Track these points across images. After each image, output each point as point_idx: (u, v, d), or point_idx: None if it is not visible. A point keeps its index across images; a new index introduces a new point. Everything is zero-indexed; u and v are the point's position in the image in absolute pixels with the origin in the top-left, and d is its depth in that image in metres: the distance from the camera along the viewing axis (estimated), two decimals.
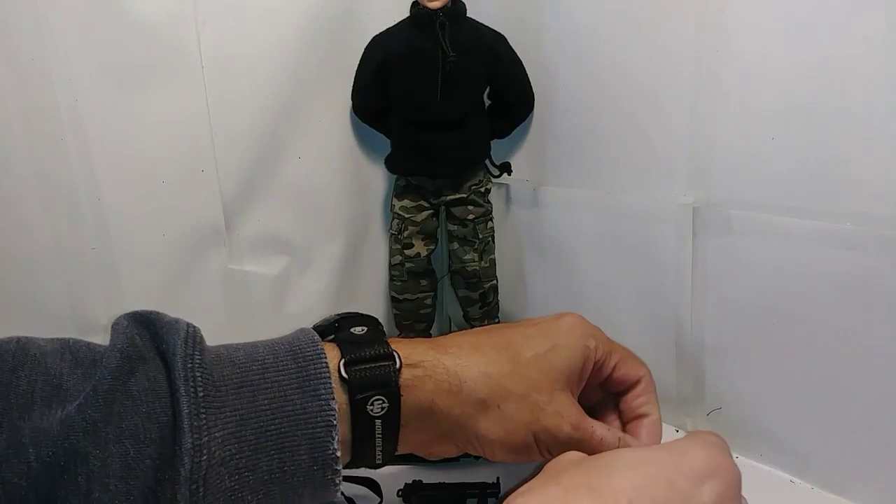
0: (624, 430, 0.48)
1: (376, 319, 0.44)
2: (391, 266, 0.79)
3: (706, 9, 0.60)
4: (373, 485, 0.61)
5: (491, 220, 0.78)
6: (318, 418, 0.36)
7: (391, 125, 0.77)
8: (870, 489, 0.58)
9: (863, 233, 0.54)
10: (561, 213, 0.76)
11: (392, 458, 0.41)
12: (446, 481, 0.62)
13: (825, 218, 0.56)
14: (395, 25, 0.74)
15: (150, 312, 0.39)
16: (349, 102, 0.77)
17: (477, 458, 0.65)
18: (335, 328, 0.42)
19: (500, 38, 0.74)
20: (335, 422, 0.36)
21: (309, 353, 0.38)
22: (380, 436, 0.39)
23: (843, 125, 0.54)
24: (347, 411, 0.38)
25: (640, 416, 0.47)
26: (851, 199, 0.55)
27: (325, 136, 0.77)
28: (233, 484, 0.34)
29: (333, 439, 0.36)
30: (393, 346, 0.40)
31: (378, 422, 0.38)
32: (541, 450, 0.42)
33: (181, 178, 0.69)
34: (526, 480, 0.38)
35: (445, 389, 0.40)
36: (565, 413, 0.42)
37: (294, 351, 0.38)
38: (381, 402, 0.38)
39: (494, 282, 0.79)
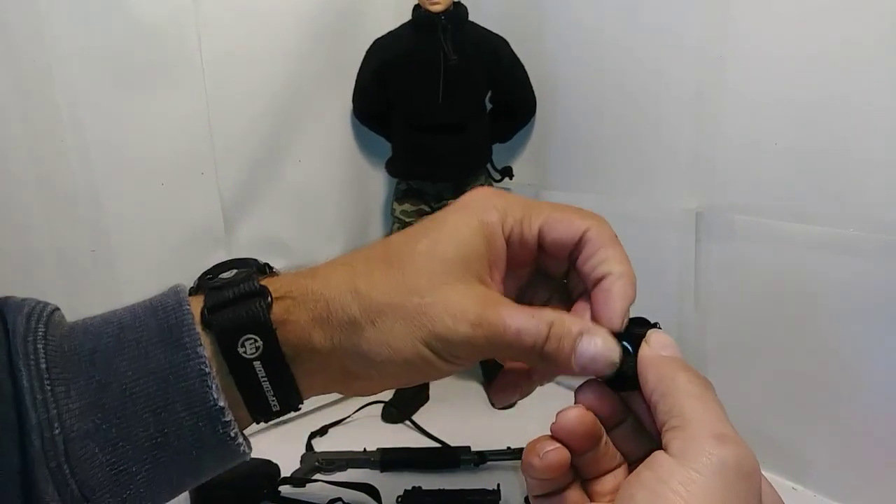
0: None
1: (254, 260, 0.39)
2: None
3: (710, 15, 0.59)
4: (372, 491, 0.60)
5: None
6: (188, 369, 0.32)
7: (392, 128, 0.77)
8: (871, 496, 0.57)
9: (866, 238, 0.54)
10: None
11: (296, 401, 0.36)
12: (446, 488, 0.61)
13: (828, 223, 0.56)
14: (396, 28, 0.74)
15: (2, 298, 0.35)
16: (350, 105, 0.77)
17: (476, 464, 0.66)
18: (208, 279, 0.37)
19: (502, 42, 0.74)
20: (207, 369, 0.32)
21: (169, 304, 0.34)
22: (265, 379, 0.34)
23: (847, 131, 0.54)
24: (223, 359, 0.33)
25: (599, 281, 0.34)
26: (855, 205, 0.54)
27: (325, 138, 0.77)
28: (109, 457, 0.31)
29: (211, 388, 0.32)
30: (264, 282, 0.35)
31: (257, 363, 0.33)
32: (447, 360, 0.33)
33: (181, 181, 0.69)
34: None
35: (318, 318, 0.34)
36: (458, 310, 0.32)
37: (154, 306, 0.34)
38: (252, 341, 0.33)
39: None
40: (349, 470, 0.66)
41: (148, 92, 0.65)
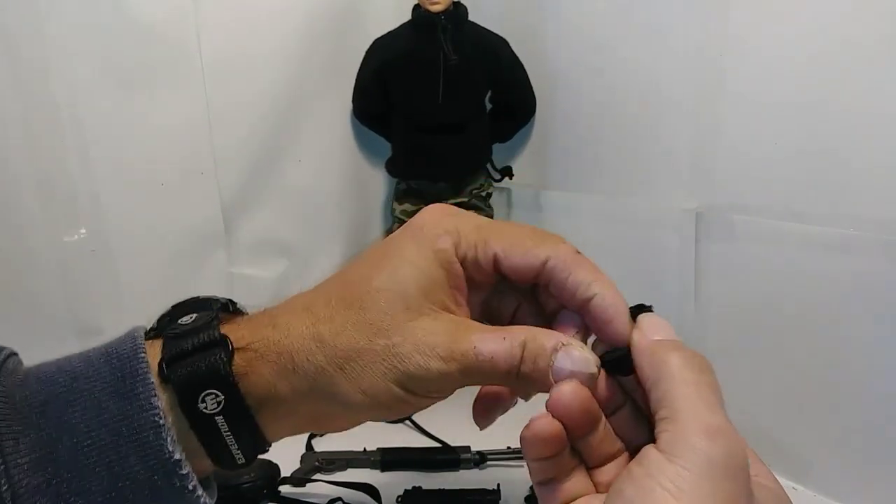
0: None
1: (217, 301, 0.37)
2: None
3: (710, 15, 0.59)
4: (372, 491, 0.60)
5: None
6: (142, 420, 0.31)
7: (392, 128, 0.77)
8: (871, 496, 0.57)
9: (866, 238, 0.54)
10: (563, 217, 0.76)
11: (262, 449, 0.35)
12: (446, 488, 0.61)
13: (828, 223, 0.56)
14: (396, 28, 0.74)
15: None
16: (350, 105, 0.77)
17: (477, 464, 0.66)
18: (167, 321, 0.36)
19: (502, 42, 0.74)
20: (161, 420, 0.31)
21: (125, 352, 0.33)
22: (228, 434, 0.33)
23: (847, 130, 0.54)
24: (182, 414, 0.32)
25: (586, 303, 0.33)
26: (854, 204, 0.54)
27: (325, 138, 0.77)
28: None
29: (165, 441, 0.31)
30: (226, 330, 0.34)
31: (219, 418, 0.32)
32: (423, 396, 0.33)
33: (181, 181, 0.69)
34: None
35: (282, 370, 0.33)
36: (427, 346, 0.31)
37: (108, 353, 0.33)
38: (214, 396, 0.32)
39: None
40: (349, 470, 0.66)
41: (148, 92, 0.65)
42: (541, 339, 0.31)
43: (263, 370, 0.33)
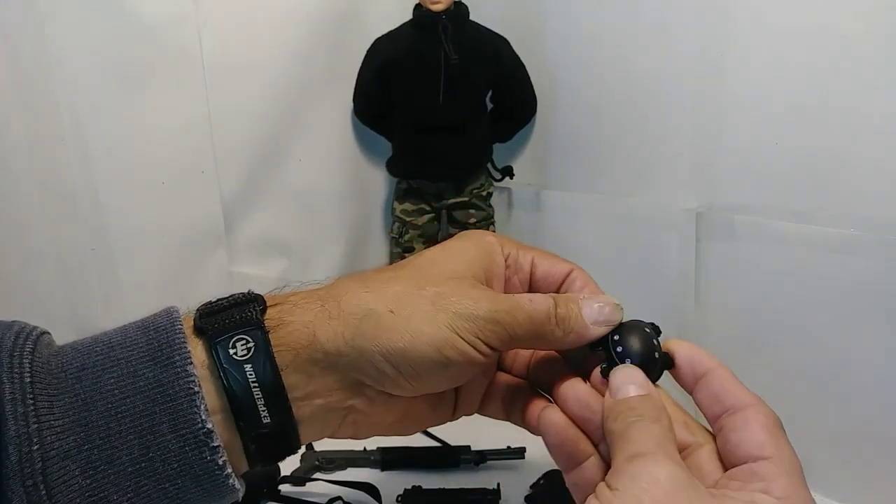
0: None
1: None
2: None
3: (710, 15, 0.59)
4: (372, 490, 0.60)
5: (492, 224, 0.78)
6: (176, 387, 0.31)
7: (393, 128, 0.77)
8: (871, 496, 0.57)
9: (866, 238, 0.54)
10: (563, 217, 0.76)
11: (291, 429, 0.34)
12: (446, 487, 0.61)
13: (829, 223, 0.56)
14: (397, 28, 0.74)
15: None
16: (351, 105, 0.77)
17: (477, 463, 0.66)
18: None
19: (502, 42, 0.74)
20: (196, 388, 0.31)
21: (161, 324, 0.33)
22: (255, 384, 0.32)
23: (847, 130, 0.54)
24: (214, 370, 0.32)
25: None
26: (855, 205, 0.54)
27: (326, 138, 0.77)
28: (89, 482, 0.30)
29: (199, 408, 0.31)
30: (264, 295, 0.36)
31: (248, 367, 0.32)
32: (470, 343, 0.33)
33: (181, 180, 0.69)
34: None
35: (326, 314, 0.33)
36: (473, 295, 0.34)
37: (146, 325, 0.33)
38: (244, 342, 0.32)
39: None
40: (349, 469, 0.66)
41: (148, 91, 0.65)
42: (569, 294, 0.37)
43: (302, 317, 0.34)
